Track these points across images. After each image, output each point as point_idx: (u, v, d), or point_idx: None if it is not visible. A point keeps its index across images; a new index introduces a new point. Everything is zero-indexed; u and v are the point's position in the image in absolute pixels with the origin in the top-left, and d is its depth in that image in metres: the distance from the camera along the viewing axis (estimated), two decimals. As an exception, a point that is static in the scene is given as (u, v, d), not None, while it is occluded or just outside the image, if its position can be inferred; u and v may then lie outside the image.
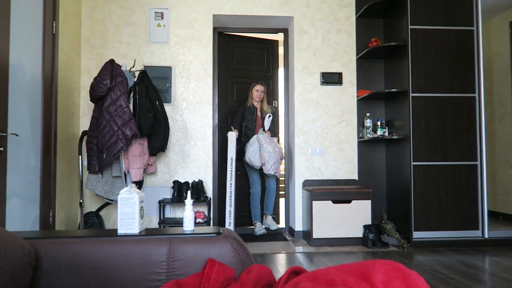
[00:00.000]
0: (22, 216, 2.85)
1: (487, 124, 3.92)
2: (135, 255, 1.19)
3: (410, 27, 3.83)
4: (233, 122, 4.48)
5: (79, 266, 1.16)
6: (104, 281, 1.16)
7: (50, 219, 3.24)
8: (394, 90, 3.93)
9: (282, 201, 5.02)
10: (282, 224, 4.80)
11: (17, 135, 2.68)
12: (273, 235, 4.34)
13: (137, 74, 3.71)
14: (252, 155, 4.19)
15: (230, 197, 4.02)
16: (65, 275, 1.15)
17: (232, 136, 4.16)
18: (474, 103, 3.87)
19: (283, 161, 4.55)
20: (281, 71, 4.98)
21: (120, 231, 1.30)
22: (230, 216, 3.99)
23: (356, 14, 4.41)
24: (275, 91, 5.09)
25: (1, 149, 2.48)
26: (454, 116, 3.84)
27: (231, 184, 4.05)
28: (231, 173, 4.08)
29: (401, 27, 3.98)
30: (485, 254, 3.50)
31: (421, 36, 3.85)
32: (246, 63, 4.88)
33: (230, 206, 4.01)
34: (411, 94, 3.80)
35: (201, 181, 4.01)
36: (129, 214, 1.30)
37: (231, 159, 4.09)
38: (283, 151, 4.65)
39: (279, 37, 4.88)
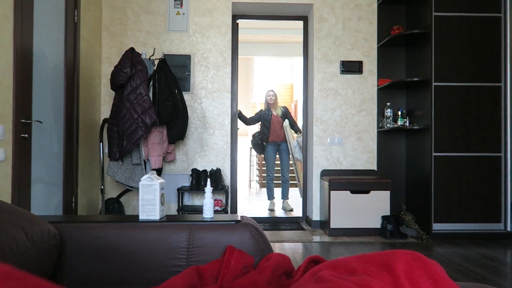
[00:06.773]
0: (46, 201, 2.93)
1: (512, 114, 3.80)
2: (155, 240, 1.21)
3: (434, 14, 3.72)
4: None
5: (101, 250, 1.19)
6: (126, 265, 1.19)
7: (73, 204, 3.32)
8: (416, 79, 3.85)
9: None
10: (299, 214, 4.81)
11: (41, 122, 2.74)
12: (290, 224, 4.35)
13: (156, 62, 3.73)
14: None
15: None
16: (88, 259, 1.18)
17: None
18: (499, 92, 3.75)
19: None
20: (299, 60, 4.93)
21: (141, 217, 1.33)
22: None
23: (378, 1, 4.30)
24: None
25: (26, 135, 2.55)
26: (478, 106, 3.74)
27: None
28: None
29: (424, 14, 3.87)
30: (507, 247, 3.43)
31: (445, 23, 3.73)
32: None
33: None
34: (434, 83, 3.71)
35: (219, 169, 4.04)
36: (150, 200, 1.32)
37: None
38: (301, 140, 4.83)
39: (299, 24, 4.80)
